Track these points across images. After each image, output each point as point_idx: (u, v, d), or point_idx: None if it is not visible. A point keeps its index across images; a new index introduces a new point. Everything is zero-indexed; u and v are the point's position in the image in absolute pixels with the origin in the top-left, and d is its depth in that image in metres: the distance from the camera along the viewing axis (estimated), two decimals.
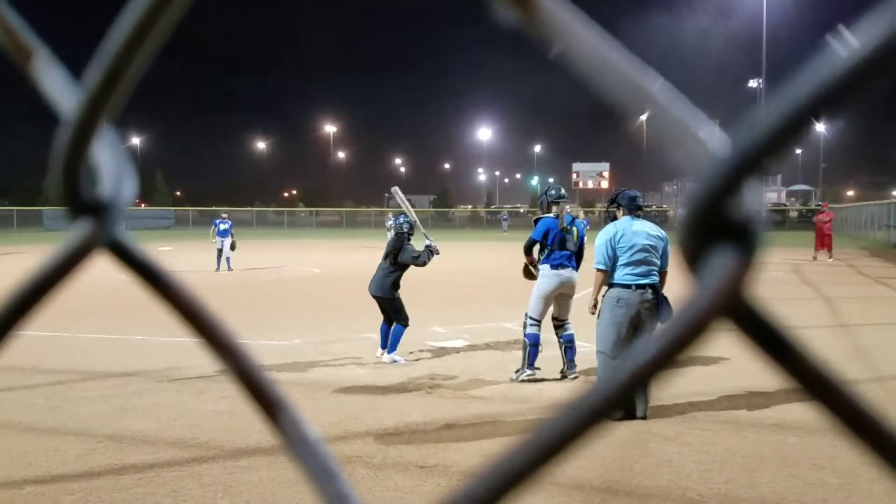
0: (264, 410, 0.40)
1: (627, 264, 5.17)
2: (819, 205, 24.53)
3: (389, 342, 7.01)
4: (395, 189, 8.04)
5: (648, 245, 5.19)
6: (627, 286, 5.13)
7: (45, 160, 0.41)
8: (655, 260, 5.21)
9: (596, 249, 5.32)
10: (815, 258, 19.83)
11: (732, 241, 0.26)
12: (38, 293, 0.41)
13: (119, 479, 3.99)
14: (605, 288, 5.39)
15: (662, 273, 5.31)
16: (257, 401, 0.40)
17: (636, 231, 5.24)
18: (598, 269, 5.28)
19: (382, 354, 7.15)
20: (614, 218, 5.47)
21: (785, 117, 0.24)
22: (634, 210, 5.35)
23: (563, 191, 6.58)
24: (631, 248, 5.17)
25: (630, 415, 4.96)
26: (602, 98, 0.30)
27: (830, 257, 19.84)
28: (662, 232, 5.32)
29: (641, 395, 4.98)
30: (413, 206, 7.85)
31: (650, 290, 5.16)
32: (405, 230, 7.28)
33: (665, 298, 5.22)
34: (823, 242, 20.21)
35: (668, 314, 5.17)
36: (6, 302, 0.42)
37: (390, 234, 7.74)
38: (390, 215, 8.28)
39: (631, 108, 0.29)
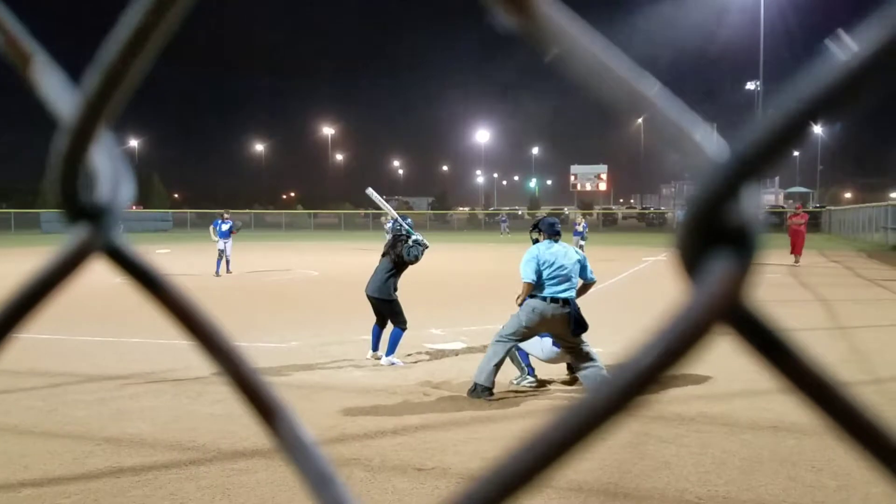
0: (260, 414, 0.40)
1: (547, 279, 5.96)
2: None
3: (388, 345, 7.00)
4: (370, 190, 8.33)
5: (565, 263, 5.99)
6: (544, 298, 5.91)
7: (44, 163, 0.40)
8: (573, 277, 6.03)
9: (524, 266, 6.04)
10: (796, 261, 19.47)
11: (730, 245, 0.26)
12: (36, 297, 0.41)
13: (116, 482, 3.98)
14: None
15: (590, 283, 6.26)
16: (253, 404, 0.40)
17: (554, 252, 6.05)
18: (526, 282, 6.01)
19: (373, 357, 7.15)
20: (535, 241, 6.23)
21: (784, 122, 0.24)
22: (553, 235, 6.15)
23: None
24: (550, 266, 5.97)
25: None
26: (600, 101, 0.30)
27: (797, 262, 19.37)
28: (579, 253, 6.23)
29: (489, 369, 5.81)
30: (411, 208, 7.95)
31: (564, 303, 5.90)
32: (402, 232, 7.30)
33: (578, 311, 5.92)
34: (798, 245, 19.88)
35: (581, 326, 5.88)
36: (4, 305, 0.41)
37: (389, 237, 7.76)
38: (389, 217, 8.39)
39: (628, 111, 0.29)
